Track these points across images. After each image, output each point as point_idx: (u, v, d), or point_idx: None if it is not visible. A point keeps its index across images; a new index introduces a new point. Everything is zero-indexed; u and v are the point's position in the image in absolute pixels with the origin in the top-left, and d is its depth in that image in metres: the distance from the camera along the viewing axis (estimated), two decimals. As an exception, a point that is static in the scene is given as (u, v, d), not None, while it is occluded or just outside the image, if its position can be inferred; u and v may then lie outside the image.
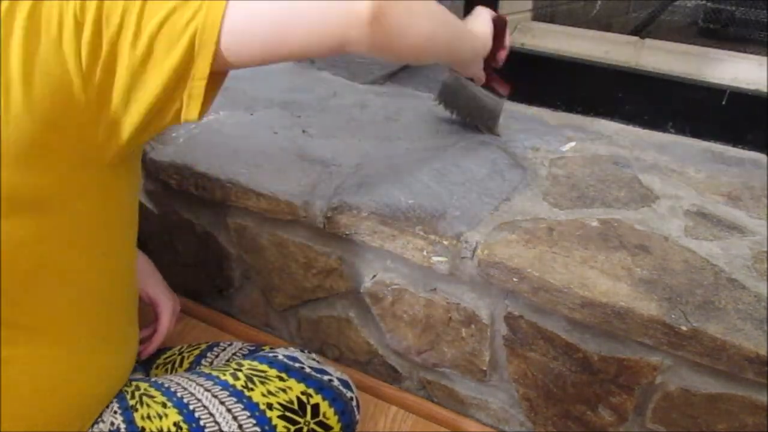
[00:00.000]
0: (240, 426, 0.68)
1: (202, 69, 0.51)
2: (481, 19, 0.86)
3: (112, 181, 0.59)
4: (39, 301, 0.57)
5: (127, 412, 0.65)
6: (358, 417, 0.79)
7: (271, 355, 0.79)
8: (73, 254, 0.58)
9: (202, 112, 0.55)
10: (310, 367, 0.77)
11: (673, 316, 0.68)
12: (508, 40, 0.91)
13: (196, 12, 0.49)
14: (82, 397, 0.63)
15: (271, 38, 0.52)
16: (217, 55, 0.51)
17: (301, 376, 0.75)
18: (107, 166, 0.57)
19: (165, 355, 0.87)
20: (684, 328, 0.67)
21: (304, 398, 0.73)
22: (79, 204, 0.56)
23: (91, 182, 0.57)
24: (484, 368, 0.88)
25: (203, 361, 0.84)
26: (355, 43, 0.53)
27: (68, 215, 0.56)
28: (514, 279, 0.75)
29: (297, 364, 0.77)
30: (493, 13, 0.87)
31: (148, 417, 0.66)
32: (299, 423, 0.72)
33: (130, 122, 0.54)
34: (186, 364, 0.85)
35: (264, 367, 0.76)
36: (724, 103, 0.97)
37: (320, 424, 0.73)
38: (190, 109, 0.54)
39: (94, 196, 0.58)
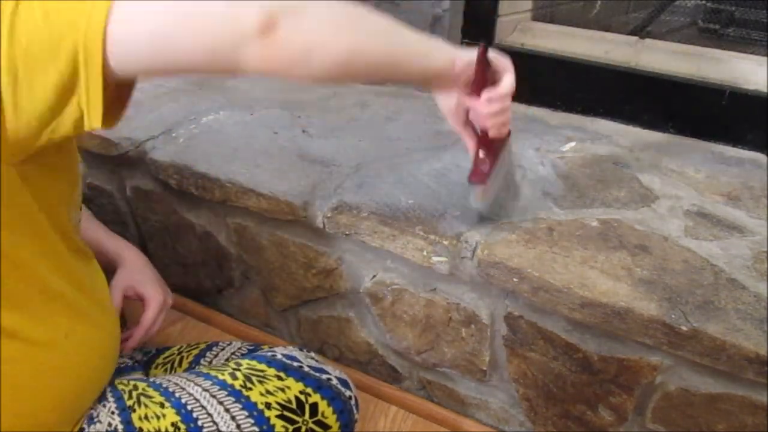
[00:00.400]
0: (238, 426, 0.68)
1: (93, 80, 0.46)
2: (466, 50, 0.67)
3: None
4: (10, 299, 0.55)
5: (125, 412, 0.65)
6: (356, 416, 0.79)
7: (269, 354, 0.79)
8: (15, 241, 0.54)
9: (113, 119, 0.50)
10: (309, 366, 0.77)
11: (673, 316, 0.68)
12: (501, 87, 0.70)
13: (77, 19, 0.44)
14: (64, 391, 0.62)
15: (154, 51, 0.46)
16: (105, 65, 0.45)
17: (300, 375, 0.75)
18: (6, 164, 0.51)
19: (164, 355, 0.87)
20: (684, 328, 0.67)
21: (302, 397, 0.73)
22: None
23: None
24: (484, 368, 0.88)
25: (202, 361, 0.84)
26: (250, 61, 0.46)
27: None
28: (514, 279, 0.75)
29: (295, 363, 0.77)
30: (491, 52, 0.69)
31: (146, 417, 0.65)
32: (297, 422, 0.72)
33: (20, 127, 0.47)
34: (185, 364, 0.85)
35: (262, 366, 0.76)
36: (724, 103, 0.97)
37: (319, 423, 0.73)
38: (92, 118, 0.48)
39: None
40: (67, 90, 0.46)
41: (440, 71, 0.65)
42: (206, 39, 0.45)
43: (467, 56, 0.66)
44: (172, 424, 0.66)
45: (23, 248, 0.56)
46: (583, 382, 0.80)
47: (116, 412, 0.65)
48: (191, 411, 0.68)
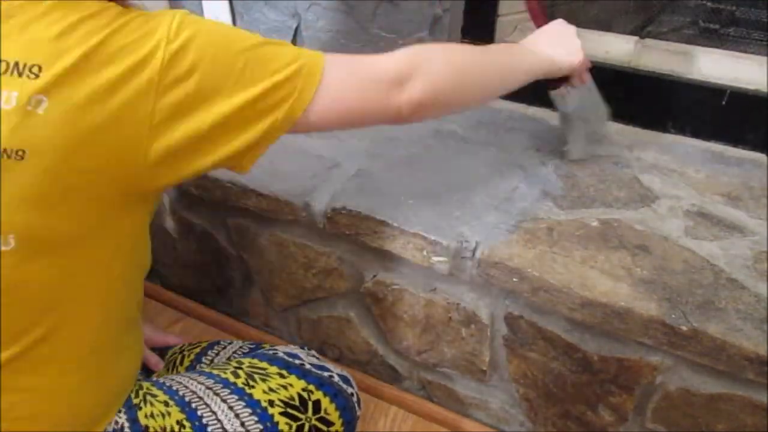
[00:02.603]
0: (242, 423, 0.68)
1: (271, 139, 0.59)
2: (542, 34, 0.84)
3: (138, 210, 0.60)
4: (58, 334, 0.56)
5: (131, 410, 0.65)
6: (359, 413, 0.79)
7: (271, 352, 0.79)
8: (91, 286, 0.58)
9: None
10: (311, 364, 0.77)
11: (673, 316, 0.68)
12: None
13: (284, 99, 0.57)
14: (89, 408, 0.63)
15: (339, 125, 0.63)
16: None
17: (302, 373, 0.75)
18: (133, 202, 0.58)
19: (167, 355, 0.87)
20: (684, 328, 0.67)
21: (305, 395, 0.73)
22: (99, 241, 0.56)
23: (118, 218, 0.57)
24: (484, 368, 0.88)
25: (204, 359, 0.84)
26: (412, 119, 0.66)
27: (88, 252, 0.56)
28: (514, 279, 0.75)
29: (297, 361, 0.77)
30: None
31: (152, 415, 0.66)
32: (301, 419, 0.72)
33: (180, 175, 0.57)
34: (186, 362, 0.85)
35: (264, 364, 0.76)
36: (724, 103, 0.97)
37: (322, 420, 0.73)
38: (244, 164, 0.60)
39: (117, 230, 0.58)
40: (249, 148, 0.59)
41: (545, 75, 0.81)
42: (374, 121, 0.66)
43: (574, 54, 0.83)
44: (177, 422, 0.66)
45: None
46: (583, 382, 0.80)
47: (123, 410, 0.65)
48: (195, 409, 0.68)
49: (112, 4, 0.54)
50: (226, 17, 1.27)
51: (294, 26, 1.21)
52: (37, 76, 0.49)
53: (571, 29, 0.83)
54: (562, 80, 0.85)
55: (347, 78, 0.61)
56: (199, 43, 0.54)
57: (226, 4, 1.25)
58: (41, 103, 0.49)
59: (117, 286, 0.61)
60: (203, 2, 1.29)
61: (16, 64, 0.49)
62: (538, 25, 0.86)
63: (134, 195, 0.57)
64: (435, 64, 0.64)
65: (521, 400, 0.88)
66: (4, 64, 0.49)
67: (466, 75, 0.68)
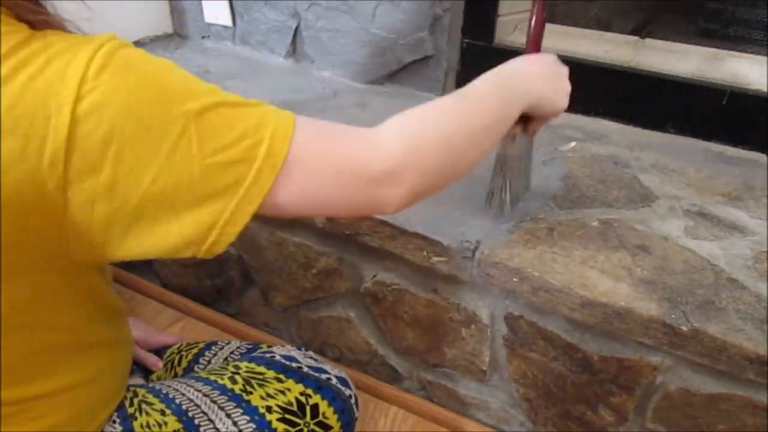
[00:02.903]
0: (240, 431, 0.68)
1: (239, 222, 0.46)
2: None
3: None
4: (39, 372, 0.54)
5: (126, 421, 0.64)
6: (357, 414, 0.79)
7: (268, 355, 0.78)
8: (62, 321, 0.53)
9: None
10: (308, 366, 0.77)
11: (673, 316, 0.68)
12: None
13: (236, 183, 0.45)
14: (84, 410, 0.62)
15: (310, 211, 0.51)
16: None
17: (299, 377, 0.75)
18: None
19: (165, 355, 0.87)
20: (684, 328, 0.67)
21: (303, 399, 0.73)
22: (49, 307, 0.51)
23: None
24: (484, 368, 0.88)
25: (201, 360, 0.84)
26: (394, 208, 0.53)
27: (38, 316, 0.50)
28: (514, 279, 0.75)
29: (294, 364, 0.77)
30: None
31: (148, 425, 0.64)
32: (299, 425, 0.71)
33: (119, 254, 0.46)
34: (184, 363, 0.85)
35: (261, 368, 0.75)
36: (724, 103, 0.97)
37: (320, 424, 0.73)
38: (212, 249, 0.47)
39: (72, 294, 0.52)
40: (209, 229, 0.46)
41: (527, 111, 0.66)
42: (354, 210, 0.53)
43: (561, 99, 0.69)
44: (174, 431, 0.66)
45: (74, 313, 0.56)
46: (583, 382, 0.80)
47: (117, 420, 0.64)
48: (193, 418, 0.67)
49: (21, 26, 0.41)
50: (226, 17, 1.27)
51: (294, 26, 1.21)
52: None
53: (564, 70, 0.71)
54: (521, 120, 0.68)
55: (319, 164, 0.48)
56: (121, 102, 0.41)
57: (226, 4, 1.25)
58: None
59: (84, 310, 0.57)
60: (203, 2, 1.29)
61: None
62: (529, 52, 0.74)
63: (69, 268, 0.49)
64: (427, 151, 0.53)
65: (521, 400, 0.88)
66: None
67: (464, 149, 0.56)
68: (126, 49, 0.43)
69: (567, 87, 0.70)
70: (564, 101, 0.69)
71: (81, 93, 0.40)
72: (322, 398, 0.74)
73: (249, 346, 0.85)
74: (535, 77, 0.66)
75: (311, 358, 0.80)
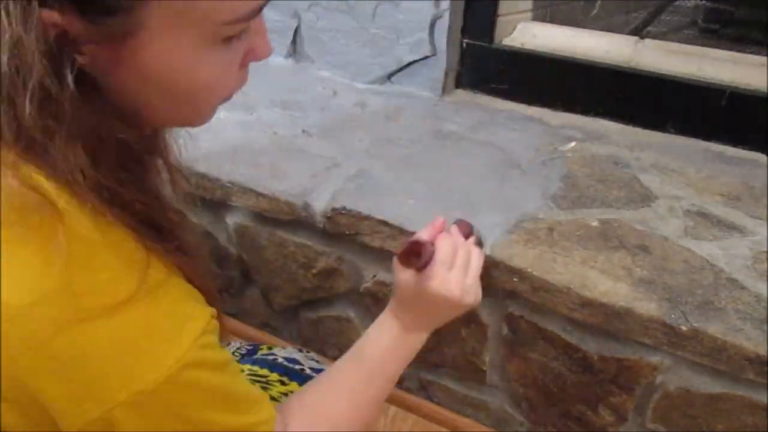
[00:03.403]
0: None
1: None
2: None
3: None
4: None
5: None
6: None
7: (270, 358, 0.79)
8: None
9: None
10: (310, 368, 0.77)
11: (673, 316, 0.68)
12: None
13: None
14: None
15: None
16: None
17: (302, 379, 0.75)
18: None
19: None
20: (684, 328, 0.67)
21: None
22: None
23: None
24: (484, 368, 0.88)
25: None
26: None
27: None
28: (514, 279, 0.75)
29: (297, 366, 0.77)
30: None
31: None
32: None
33: None
34: None
35: (265, 371, 0.75)
36: (724, 103, 0.97)
37: None
38: None
39: None
40: None
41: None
42: None
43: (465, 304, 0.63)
44: None
45: None
46: (583, 382, 0.80)
47: None
48: None
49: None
50: (226, 17, 1.28)
51: (294, 26, 1.21)
52: None
53: (466, 300, 0.62)
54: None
55: None
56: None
57: (226, 4, 1.25)
58: None
59: None
60: (203, 2, 1.29)
61: None
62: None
63: None
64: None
65: (521, 400, 0.88)
66: None
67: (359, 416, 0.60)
68: (194, 372, 0.43)
69: (469, 302, 0.63)
70: (464, 306, 0.63)
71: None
72: None
73: (249, 347, 0.85)
74: (430, 329, 0.65)
75: (313, 359, 0.80)
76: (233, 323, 1.13)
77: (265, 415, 0.50)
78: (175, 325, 0.41)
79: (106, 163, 0.39)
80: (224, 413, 0.46)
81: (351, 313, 0.97)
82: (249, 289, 1.08)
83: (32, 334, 0.37)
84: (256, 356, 0.80)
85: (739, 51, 1.03)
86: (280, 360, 0.78)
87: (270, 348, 0.82)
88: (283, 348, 0.82)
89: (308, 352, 0.82)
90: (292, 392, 0.73)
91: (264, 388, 0.72)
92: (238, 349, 0.85)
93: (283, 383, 0.74)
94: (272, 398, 0.71)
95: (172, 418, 0.42)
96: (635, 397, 0.77)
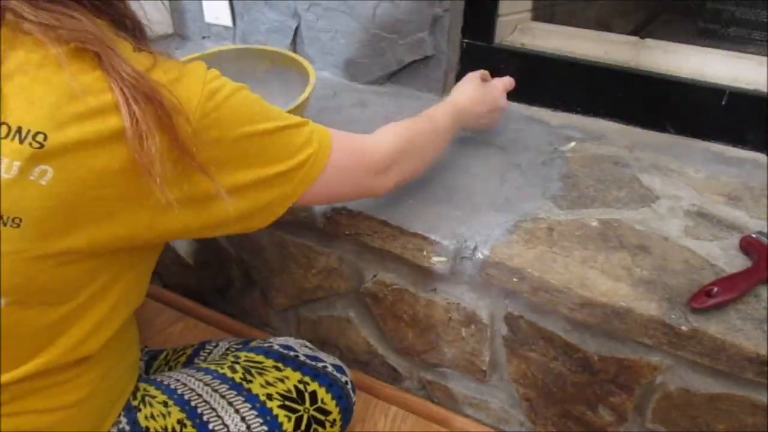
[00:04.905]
0: (243, 418, 0.69)
1: (270, 215, 0.62)
2: (462, 86, 0.90)
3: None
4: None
5: (131, 413, 0.65)
6: (354, 399, 0.80)
7: (266, 345, 0.80)
8: (85, 318, 0.56)
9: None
10: (305, 355, 0.79)
11: (673, 316, 0.68)
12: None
13: (290, 179, 0.61)
14: (94, 412, 0.62)
15: (328, 202, 0.80)
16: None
17: (297, 365, 0.77)
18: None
19: (159, 358, 0.87)
20: (684, 328, 0.67)
21: (301, 386, 0.75)
22: (98, 293, 0.55)
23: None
24: (484, 368, 0.88)
25: (196, 360, 0.84)
26: (383, 192, 0.72)
27: (84, 302, 0.54)
28: (514, 279, 0.75)
29: (292, 353, 0.79)
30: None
31: (152, 416, 0.65)
32: (299, 411, 0.73)
33: (188, 228, 0.56)
34: (183, 359, 0.85)
35: (260, 357, 0.77)
36: (724, 103, 0.97)
37: (319, 410, 0.75)
38: (254, 224, 0.62)
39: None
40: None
41: (462, 121, 0.87)
42: (356, 196, 0.75)
43: (492, 112, 0.93)
44: (178, 421, 0.66)
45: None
46: (583, 382, 0.80)
47: (122, 413, 0.65)
48: (195, 407, 0.68)
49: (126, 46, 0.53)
50: (226, 17, 1.27)
51: (294, 26, 1.21)
52: (41, 145, 0.45)
53: (499, 102, 0.93)
54: None
55: (347, 165, 0.66)
56: (227, 117, 0.54)
57: (227, 5, 1.25)
58: (45, 174, 0.46)
59: (114, 314, 0.59)
60: (203, 2, 1.29)
61: (19, 129, 0.45)
62: None
63: (138, 249, 0.55)
64: (410, 154, 0.73)
65: (521, 400, 0.88)
66: (5, 128, 0.46)
67: (425, 156, 0.78)
68: (219, 79, 0.57)
69: (497, 115, 0.94)
70: (493, 117, 0.93)
71: (196, 114, 0.53)
72: (320, 385, 0.76)
73: (242, 341, 0.86)
74: (477, 116, 0.89)
75: (307, 347, 0.82)
76: (233, 323, 1.13)
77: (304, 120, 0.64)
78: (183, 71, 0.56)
79: None
80: (267, 121, 0.58)
81: (351, 313, 0.97)
82: (249, 289, 1.08)
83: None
84: (252, 344, 0.82)
85: (739, 51, 1.02)
86: (275, 347, 0.79)
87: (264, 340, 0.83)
88: (279, 337, 0.83)
89: (303, 340, 0.83)
90: (287, 377, 0.74)
91: (260, 373, 0.74)
92: (231, 344, 0.86)
93: (278, 369, 0.76)
94: (268, 383, 0.72)
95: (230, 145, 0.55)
96: (635, 397, 0.77)
